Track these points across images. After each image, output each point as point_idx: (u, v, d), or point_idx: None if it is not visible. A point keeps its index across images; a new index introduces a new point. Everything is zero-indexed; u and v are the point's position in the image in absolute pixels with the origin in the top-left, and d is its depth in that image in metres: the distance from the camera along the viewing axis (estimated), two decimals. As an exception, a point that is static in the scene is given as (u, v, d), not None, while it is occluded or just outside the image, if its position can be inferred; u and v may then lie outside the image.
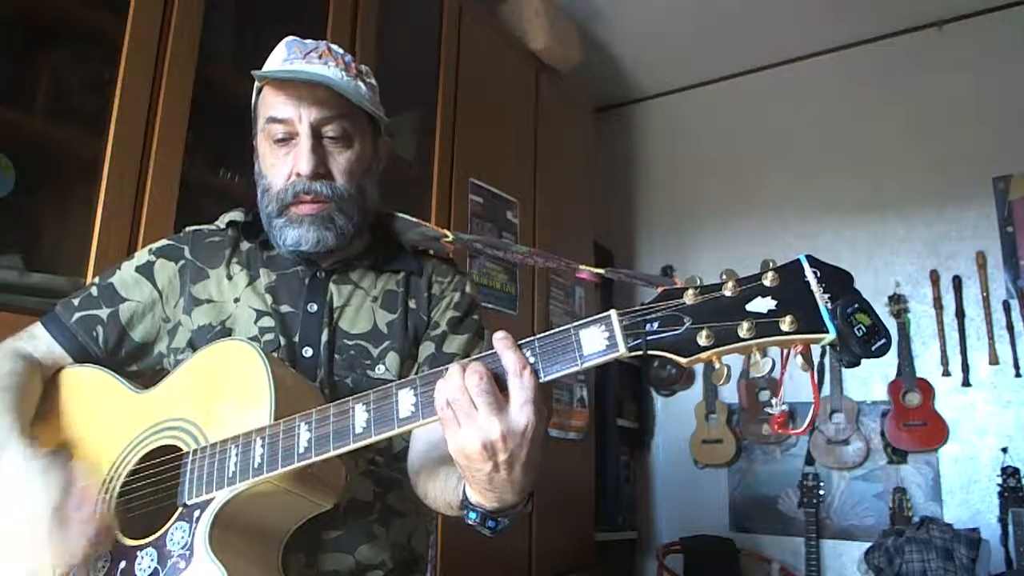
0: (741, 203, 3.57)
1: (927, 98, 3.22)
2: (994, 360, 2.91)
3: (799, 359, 0.66)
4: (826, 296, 0.65)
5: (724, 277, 0.68)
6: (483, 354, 0.75)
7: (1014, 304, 2.90)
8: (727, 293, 0.67)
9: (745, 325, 0.65)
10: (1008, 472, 2.70)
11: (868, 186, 3.28)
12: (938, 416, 2.94)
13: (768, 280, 0.67)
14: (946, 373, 2.98)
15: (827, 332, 0.64)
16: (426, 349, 1.10)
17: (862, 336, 0.63)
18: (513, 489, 0.76)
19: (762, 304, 0.66)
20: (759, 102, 3.65)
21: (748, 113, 3.67)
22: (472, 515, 0.80)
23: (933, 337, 3.04)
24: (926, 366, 3.03)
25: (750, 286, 0.67)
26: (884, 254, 3.20)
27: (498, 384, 0.72)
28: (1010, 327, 2.89)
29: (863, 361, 0.64)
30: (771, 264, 0.68)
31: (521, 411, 0.70)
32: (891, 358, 3.07)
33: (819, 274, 0.66)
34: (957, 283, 3.03)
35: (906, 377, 3.00)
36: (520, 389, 0.70)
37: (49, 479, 0.84)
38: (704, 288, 0.68)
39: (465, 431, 0.71)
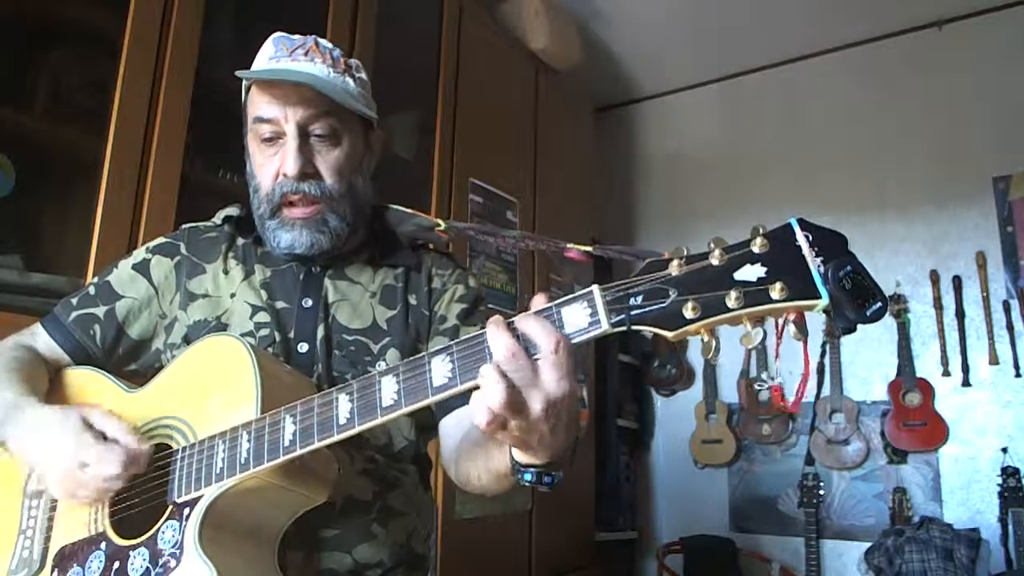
0: (740, 203, 3.57)
1: (927, 98, 3.22)
2: (994, 360, 2.90)
3: (792, 328, 0.63)
4: (819, 260, 0.61)
5: (712, 245, 0.65)
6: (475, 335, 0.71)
7: (1014, 304, 2.89)
8: (714, 262, 0.64)
9: (733, 294, 0.62)
10: (1008, 472, 2.70)
11: (868, 186, 3.28)
12: (938, 416, 2.94)
13: (757, 246, 0.63)
14: (946, 373, 2.98)
15: (819, 298, 0.60)
16: (439, 344, 1.09)
17: (856, 300, 0.60)
18: (563, 441, 0.73)
19: (751, 272, 0.63)
20: (759, 102, 3.65)
21: (748, 113, 3.67)
22: (527, 476, 0.78)
23: (933, 337, 3.04)
24: (926, 366, 3.02)
25: (738, 253, 0.64)
26: (884, 254, 3.20)
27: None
28: (1010, 327, 2.89)
29: (859, 327, 0.61)
30: (760, 229, 0.64)
31: (558, 385, 0.67)
32: (891, 358, 3.07)
33: (811, 237, 0.62)
34: (957, 283, 3.02)
35: (906, 377, 3.00)
36: (556, 366, 0.67)
37: (63, 412, 0.90)
38: (690, 258, 0.65)
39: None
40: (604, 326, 0.66)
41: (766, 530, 3.25)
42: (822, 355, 3.18)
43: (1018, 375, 2.85)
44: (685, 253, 0.66)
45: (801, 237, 0.63)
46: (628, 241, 3.90)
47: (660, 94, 3.96)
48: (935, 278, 3.06)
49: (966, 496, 2.89)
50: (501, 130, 2.77)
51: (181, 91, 1.67)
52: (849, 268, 0.61)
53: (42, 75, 1.64)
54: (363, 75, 1.10)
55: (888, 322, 3.09)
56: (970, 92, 3.13)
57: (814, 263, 0.61)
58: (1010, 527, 2.64)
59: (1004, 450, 2.81)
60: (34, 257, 1.59)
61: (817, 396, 3.14)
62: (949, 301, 3.02)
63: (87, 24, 1.66)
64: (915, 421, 2.97)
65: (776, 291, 0.61)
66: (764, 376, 3.25)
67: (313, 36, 1.08)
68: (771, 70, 3.64)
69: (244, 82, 1.07)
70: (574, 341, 0.68)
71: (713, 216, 3.64)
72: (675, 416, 3.59)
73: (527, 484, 0.78)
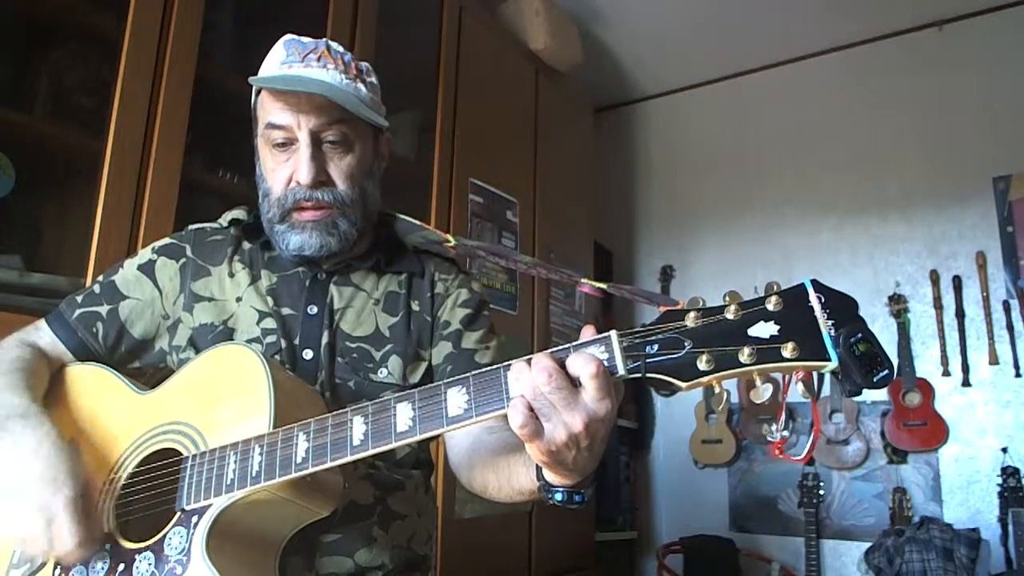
0: (741, 203, 3.57)
1: (927, 98, 3.22)
2: (994, 360, 2.91)
3: (800, 386, 0.66)
4: (830, 323, 0.64)
5: (727, 299, 0.67)
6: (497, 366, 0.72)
7: (1014, 304, 2.90)
8: (729, 316, 0.66)
9: (746, 350, 0.64)
10: (1008, 472, 2.70)
11: (868, 186, 3.28)
12: (938, 416, 2.94)
13: (772, 304, 0.66)
14: (946, 373, 2.98)
15: (829, 360, 0.63)
16: (443, 349, 1.09)
17: (865, 366, 0.63)
18: (594, 460, 0.74)
19: (764, 329, 0.65)
20: (759, 102, 3.65)
21: (748, 113, 3.67)
22: (558, 496, 0.78)
23: (933, 337, 3.04)
24: (926, 366, 3.03)
25: (753, 310, 0.66)
26: (884, 254, 3.20)
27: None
28: (1010, 327, 2.89)
29: (864, 391, 0.63)
30: (775, 288, 0.67)
31: (601, 403, 0.68)
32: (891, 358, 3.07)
33: (823, 300, 0.65)
34: (957, 283, 3.03)
35: (906, 377, 3.00)
36: (598, 389, 0.68)
37: (63, 463, 0.84)
38: (706, 311, 0.67)
39: (550, 428, 0.69)
40: (620, 371, 0.68)
41: (766, 530, 3.25)
42: (822, 355, 3.18)
43: (1018, 375, 2.85)
44: (701, 304, 0.68)
45: (814, 299, 0.65)
46: (628, 241, 3.91)
47: (660, 94, 3.96)
48: (935, 278, 3.06)
49: (966, 496, 2.89)
50: (501, 130, 2.77)
51: (181, 91, 1.67)
52: (860, 335, 0.63)
53: (42, 75, 1.64)
54: (373, 79, 1.10)
55: (888, 322, 3.09)
56: (970, 92, 3.13)
57: (825, 326, 0.64)
58: (1010, 527, 2.65)
59: (1004, 450, 2.81)
60: (34, 257, 1.59)
61: (817, 396, 3.14)
62: (949, 301, 3.02)
63: (87, 24, 1.66)
64: (915, 421, 2.97)
65: (788, 350, 0.64)
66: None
67: (325, 40, 1.07)
68: (771, 70, 3.64)
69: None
70: None
71: (714, 216, 3.65)
72: (675, 416, 3.59)
73: (557, 503, 0.79)
